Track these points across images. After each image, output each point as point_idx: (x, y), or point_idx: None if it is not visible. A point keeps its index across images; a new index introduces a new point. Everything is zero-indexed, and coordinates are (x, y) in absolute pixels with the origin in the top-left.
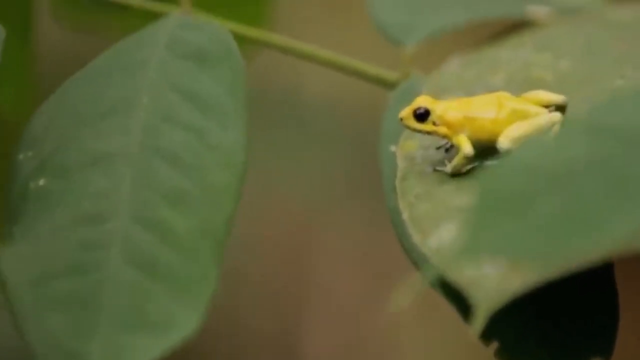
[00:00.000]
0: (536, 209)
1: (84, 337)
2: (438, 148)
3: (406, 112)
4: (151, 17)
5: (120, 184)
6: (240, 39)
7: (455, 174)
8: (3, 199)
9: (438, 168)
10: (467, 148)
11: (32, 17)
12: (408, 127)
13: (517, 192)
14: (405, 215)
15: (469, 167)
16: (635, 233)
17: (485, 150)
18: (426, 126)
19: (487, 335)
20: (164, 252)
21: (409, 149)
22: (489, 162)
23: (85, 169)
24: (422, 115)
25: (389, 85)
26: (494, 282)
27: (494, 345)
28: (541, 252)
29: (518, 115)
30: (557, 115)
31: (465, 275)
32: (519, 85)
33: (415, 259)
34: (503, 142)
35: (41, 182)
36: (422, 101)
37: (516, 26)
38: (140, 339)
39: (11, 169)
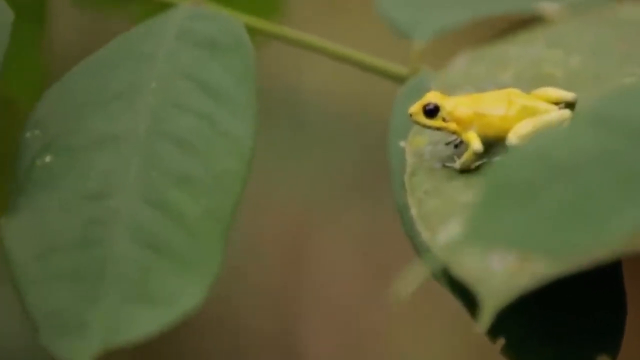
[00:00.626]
0: (543, 199)
1: (86, 307)
2: (447, 144)
3: (416, 108)
4: (165, 7)
5: (127, 164)
6: (250, 31)
7: (464, 170)
8: (10, 177)
9: (447, 164)
10: (476, 144)
11: (46, 3)
12: (417, 123)
13: (525, 182)
14: (413, 212)
15: (478, 163)
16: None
17: (495, 146)
18: (435, 122)
19: (493, 332)
20: (169, 230)
21: (418, 144)
22: (498, 158)
23: (91, 149)
24: (431, 111)
25: (399, 80)
26: (501, 279)
27: (498, 344)
28: (546, 243)
29: (527, 112)
30: (566, 112)
31: (472, 272)
32: (529, 82)
33: (424, 254)
34: (512, 139)
35: (47, 159)
36: (432, 97)
37: (525, 22)
38: (142, 311)
39: (18, 146)
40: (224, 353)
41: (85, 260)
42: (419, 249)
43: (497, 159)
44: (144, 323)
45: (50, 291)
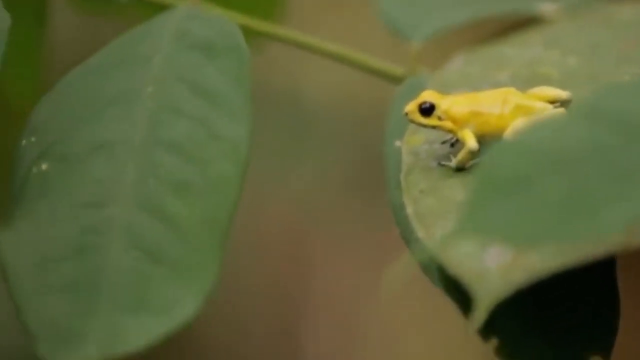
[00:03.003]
0: (536, 192)
1: (83, 317)
2: (443, 143)
3: (411, 107)
4: (162, 8)
5: (123, 171)
6: (248, 32)
7: (460, 169)
8: (7, 185)
9: (443, 163)
10: (472, 143)
11: (46, 4)
12: (413, 122)
13: (519, 174)
14: (409, 210)
15: (473, 162)
16: (635, 219)
17: (491, 145)
18: (431, 121)
19: (486, 332)
20: (165, 237)
21: (414, 143)
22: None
23: (88, 156)
24: (427, 110)
25: (396, 80)
26: (496, 275)
27: (494, 342)
28: (539, 236)
29: (523, 111)
30: (562, 111)
31: (466, 269)
32: (525, 82)
33: (417, 253)
34: (508, 138)
35: (44, 166)
36: (428, 96)
37: (522, 23)
38: (139, 321)
39: (15, 154)
40: (224, 353)
41: (81, 270)
42: (412, 248)
43: (490, 152)
44: (142, 333)
45: (47, 302)
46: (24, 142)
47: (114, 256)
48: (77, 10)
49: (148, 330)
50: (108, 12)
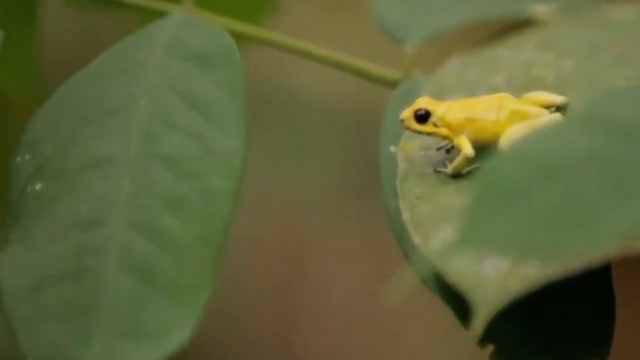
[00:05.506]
0: (534, 201)
1: (80, 344)
2: (439, 149)
3: (407, 113)
4: (158, 14)
5: (118, 189)
6: (241, 37)
7: (456, 175)
8: (3, 199)
9: (439, 169)
10: (467, 149)
11: (39, 3)
12: (409, 128)
13: (515, 184)
14: (405, 216)
15: (469, 168)
16: (632, 228)
17: (486, 151)
18: (427, 127)
19: (483, 338)
20: (160, 258)
21: (409, 149)
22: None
23: (82, 173)
24: (422, 117)
25: (390, 84)
26: (495, 284)
27: (490, 348)
28: (537, 245)
29: (519, 117)
30: (557, 116)
31: (465, 278)
32: (520, 86)
33: (414, 260)
34: (504, 144)
35: (38, 186)
36: (423, 102)
37: (518, 26)
38: (136, 346)
39: (9, 172)
40: (222, 353)
41: (77, 293)
42: (408, 253)
43: (487, 162)
44: (139, 358)
45: (43, 328)
46: (18, 159)
47: (110, 278)
48: (69, 4)
49: (145, 355)
50: (102, 9)
